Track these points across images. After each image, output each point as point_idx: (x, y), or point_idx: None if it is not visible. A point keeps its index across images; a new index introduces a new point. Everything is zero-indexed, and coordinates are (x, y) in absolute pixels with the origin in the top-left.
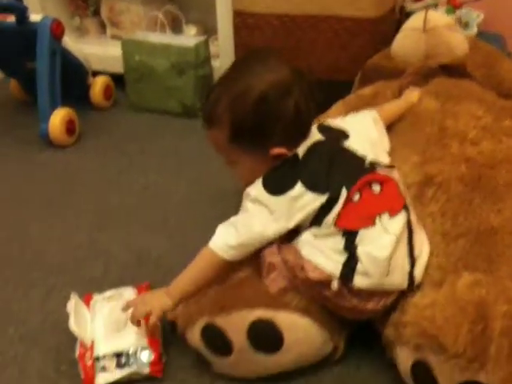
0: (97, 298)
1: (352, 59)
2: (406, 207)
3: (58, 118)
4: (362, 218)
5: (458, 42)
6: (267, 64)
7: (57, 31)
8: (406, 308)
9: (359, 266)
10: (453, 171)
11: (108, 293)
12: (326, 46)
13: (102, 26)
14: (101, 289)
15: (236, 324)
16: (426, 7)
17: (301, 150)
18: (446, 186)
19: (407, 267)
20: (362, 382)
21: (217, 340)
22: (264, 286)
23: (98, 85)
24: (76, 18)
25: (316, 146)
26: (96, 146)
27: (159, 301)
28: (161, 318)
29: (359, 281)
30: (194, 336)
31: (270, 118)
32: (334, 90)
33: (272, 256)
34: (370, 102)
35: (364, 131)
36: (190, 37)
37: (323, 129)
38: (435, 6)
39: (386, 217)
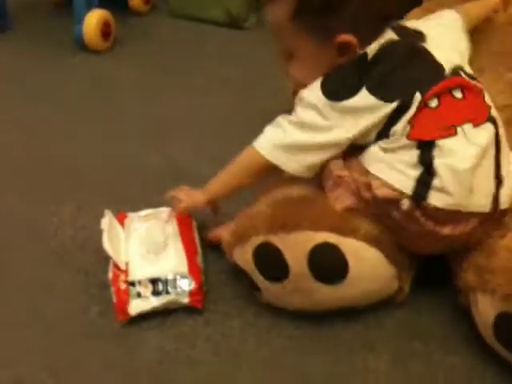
0: (132, 217)
1: None
2: (492, 118)
3: (93, 19)
4: (440, 127)
5: None
6: None
7: None
8: (494, 250)
9: (436, 182)
10: None
11: (144, 212)
12: None
13: None
14: (137, 207)
15: (296, 245)
16: None
17: (371, 49)
18: None
19: (492, 188)
20: (425, 330)
21: (272, 262)
22: (331, 207)
23: None
24: None
25: (389, 45)
26: (133, 54)
27: (192, 195)
28: (189, 209)
29: (435, 198)
30: (245, 255)
31: None
32: None
33: (340, 169)
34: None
35: (449, 37)
36: None
37: (398, 29)
38: None
39: (469, 126)
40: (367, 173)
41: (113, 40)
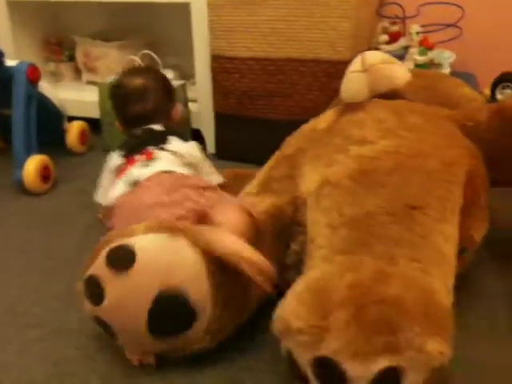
0: None
1: (329, 101)
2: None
3: (32, 165)
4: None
5: (395, 73)
6: None
7: (33, 76)
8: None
9: None
10: (345, 170)
11: None
12: (305, 88)
13: (77, 72)
14: None
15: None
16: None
17: (137, 131)
18: (338, 184)
19: None
20: None
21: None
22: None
23: (74, 130)
24: (50, 63)
25: (145, 130)
26: (72, 191)
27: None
28: None
29: None
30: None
31: None
32: None
33: None
34: None
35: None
36: None
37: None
38: (407, 47)
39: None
40: None
41: (52, 181)
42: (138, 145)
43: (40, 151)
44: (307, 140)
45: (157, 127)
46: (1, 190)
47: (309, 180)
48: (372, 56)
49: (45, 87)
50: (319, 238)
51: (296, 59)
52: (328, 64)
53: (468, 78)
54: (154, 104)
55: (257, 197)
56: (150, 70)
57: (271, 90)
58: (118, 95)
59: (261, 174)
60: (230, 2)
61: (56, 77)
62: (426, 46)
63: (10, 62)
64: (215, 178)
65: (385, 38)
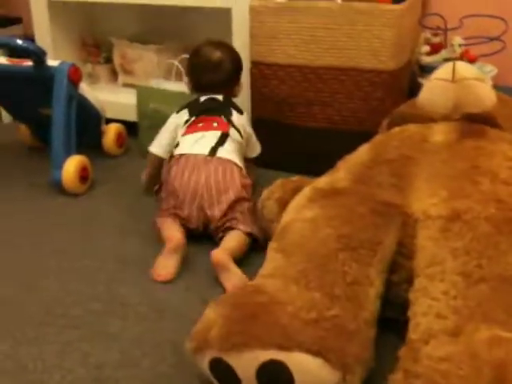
0: None
1: (371, 110)
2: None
3: (72, 166)
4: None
5: (486, 93)
6: None
7: (74, 76)
8: (418, 356)
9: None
10: (482, 210)
11: None
12: (346, 97)
13: (114, 74)
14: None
15: (246, 363)
16: (454, 59)
17: (202, 99)
18: (473, 225)
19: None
20: None
21: (226, 376)
22: (280, 319)
23: (110, 132)
24: (88, 65)
25: (208, 98)
26: (108, 193)
27: None
28: None
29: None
30: (203, 364)
31: None
32: (351, 139)
33: None
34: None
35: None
36: None
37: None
38: (449, 59)
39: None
40: None
41: (90, 182)
42: (206, 109)
43: (77, 152)
44: (418, 150)
45: (219, 97)
46: (38, 189)
47: (426, 201)
48: (465, 68)
49: (85, 88)
50: (447, 282)
51: (337, 67)
52: (371, 73)
53: (510, 93)
54: (225, 77)
55: (354, 196)
56: (227, 46)
57: (310, 98)
58: (196, 62)
59: (347, 170)
60: (271, 9)
61: (92, 78)
62: (467, 59)
63: (52, 62)
64: (258, 148)
65: (426, 48)
